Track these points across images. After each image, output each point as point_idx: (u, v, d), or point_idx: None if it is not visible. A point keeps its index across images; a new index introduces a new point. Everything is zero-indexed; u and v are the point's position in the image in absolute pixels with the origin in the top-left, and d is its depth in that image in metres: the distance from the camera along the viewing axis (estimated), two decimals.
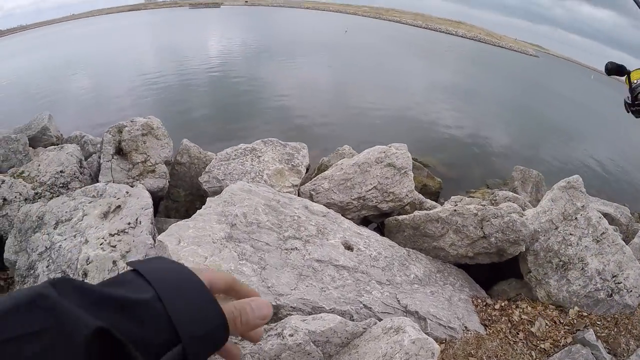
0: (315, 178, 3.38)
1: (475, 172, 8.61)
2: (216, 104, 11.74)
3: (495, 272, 3.48)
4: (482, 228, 3.06)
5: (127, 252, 3.45)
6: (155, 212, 3.98)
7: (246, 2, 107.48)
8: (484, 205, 3.08)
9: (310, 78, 16.98)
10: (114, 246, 3.52)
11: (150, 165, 3.51)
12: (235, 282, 0.48)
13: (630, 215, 5.09)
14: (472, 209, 3.01)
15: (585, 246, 3.52)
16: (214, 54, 19.68)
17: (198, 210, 3.04)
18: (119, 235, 3.60)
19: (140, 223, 3.47)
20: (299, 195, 3.28)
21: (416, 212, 3.07)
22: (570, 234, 3.48)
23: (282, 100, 12.59)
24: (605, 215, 4.67)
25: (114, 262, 3.38)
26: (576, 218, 3.53)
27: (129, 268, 0.39)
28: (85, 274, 3.35)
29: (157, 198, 3.76)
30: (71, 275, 3.42)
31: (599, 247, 3.57)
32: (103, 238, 3.60)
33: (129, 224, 3.57)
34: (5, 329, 0.25)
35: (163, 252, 2.91)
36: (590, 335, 3.39)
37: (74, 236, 3.47)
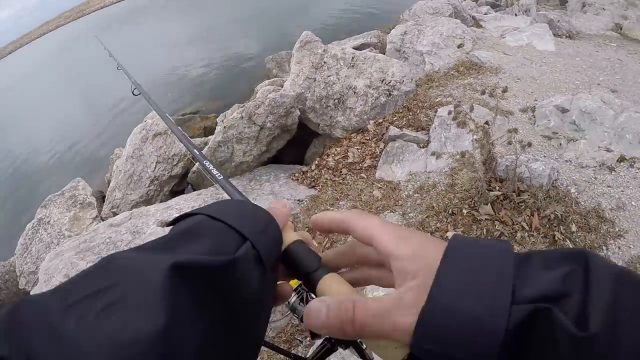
0: (107, 197, 3.37)
1: (240, 87, 8.84)
2: None
3: (302, 147, 3.95)
4: (254, 123, 3.39)
5: None
6: None
7: None
8: (243, 105, 3.38)
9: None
10: None
11: None
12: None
13: (379, 34, 5.87)
14: (236, 116, 3.30)
15: (346, 76, 4.09)
16: None
17: None
18: None
19: None
20: (102, 221, 3.29)
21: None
22: (328, 76, 4.01)
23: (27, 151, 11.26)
24: (361, 46, 5.37)
25: None
26: (325, 62, 4.04)
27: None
28: None
29: None
30: None
31: (355, 70, 4.17)
32: None
33: None
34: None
35: None
36: (392, 130, 4.03)
37: None
